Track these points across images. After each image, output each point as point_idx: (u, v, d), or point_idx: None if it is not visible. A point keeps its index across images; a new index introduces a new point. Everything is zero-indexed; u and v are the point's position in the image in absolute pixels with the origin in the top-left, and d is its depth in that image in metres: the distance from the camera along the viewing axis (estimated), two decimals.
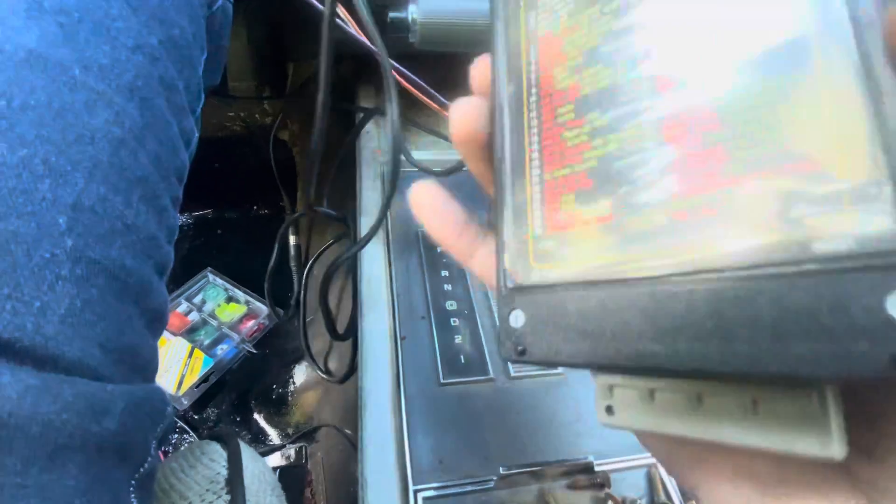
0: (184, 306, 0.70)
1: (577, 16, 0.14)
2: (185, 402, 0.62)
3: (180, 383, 0.62)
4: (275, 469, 0.58)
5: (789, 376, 0.09)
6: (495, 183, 0.15)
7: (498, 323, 0.14)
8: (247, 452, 0.33)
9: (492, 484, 0.29)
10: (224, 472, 0.30)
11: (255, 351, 0.68)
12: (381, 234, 0.42)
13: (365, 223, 0.42)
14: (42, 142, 0.20)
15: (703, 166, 0.10)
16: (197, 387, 0.62)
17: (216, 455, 0.31)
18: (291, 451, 0.60)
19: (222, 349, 0.66)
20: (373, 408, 0.32)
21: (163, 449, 0.64)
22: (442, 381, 0.33)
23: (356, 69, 0.64)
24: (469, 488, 0.29)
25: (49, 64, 0.21)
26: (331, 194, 0.49)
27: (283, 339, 0.70)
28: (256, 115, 0.91)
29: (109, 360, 0.20)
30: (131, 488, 0.20)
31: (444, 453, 0.30)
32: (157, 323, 0.24)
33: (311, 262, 0.54)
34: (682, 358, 0.10)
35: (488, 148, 0.15)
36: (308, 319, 0.70)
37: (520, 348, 0.13)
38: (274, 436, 0.62)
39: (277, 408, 0.64)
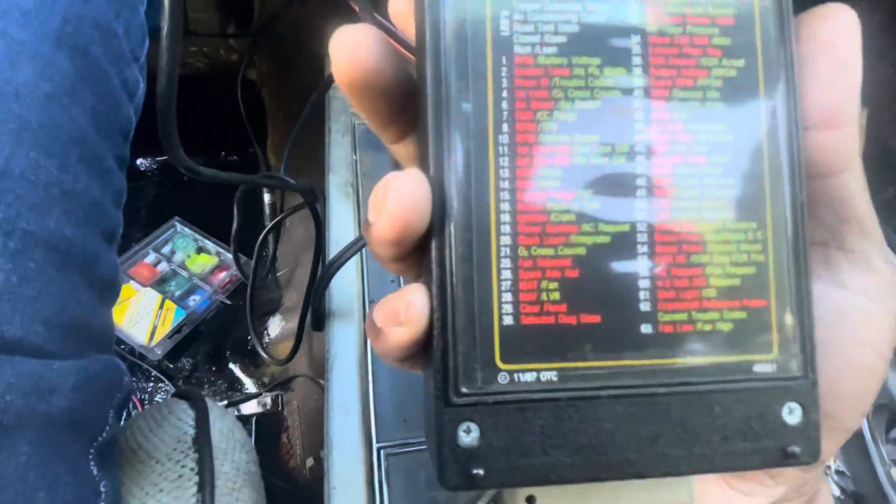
0: (152, 257, 0.68)
1: (573, 57, 0.11)
2: (159, 353, 0.62)
3: (152, 334, 0.62)
4: (251, 416, 0.59)
5: (731, 470, 0.12)
6: (437, 236, 0.11)
7: (433, 439, 0.11)
8: (215, 410, 0.33)
9: None
10: (191, 430, 0.30)
11: (229, 302, 0.68)
12: (350, 191, 0.41)
13: (333, 181, 0.41)
14: None
15: (686, 284, 0.11)
16: (170, 337, 0.62)
17: (183, 414, 0.31)
18: (268, 399, 0.61)
19: (195, 300, 0.66)
20: (340, 369, 0.32)
21: (138, 397, 0.64)
22: None
23: (325, 7, 0.59)
24: None
25: None
26: (298, 150, 0.47)
27: (257, 289, 0.69)
28: (221, 52, 0.84)
29: (56, 336, 0.19)
30: (90, 457, 0.20)
31: (408, 412, 0.31)
32: (108, 292, 0.23)
33: (268, 228, 0.53)
34: (660, 462, 0.11)
35: (390, 97, 0.12)
36: (280, 273, 0.69)
37: (475, 472, 0.11)
38: (250, 385, 0.63)
39: (253, 358, 0.65)
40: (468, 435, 0.11)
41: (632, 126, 0.11)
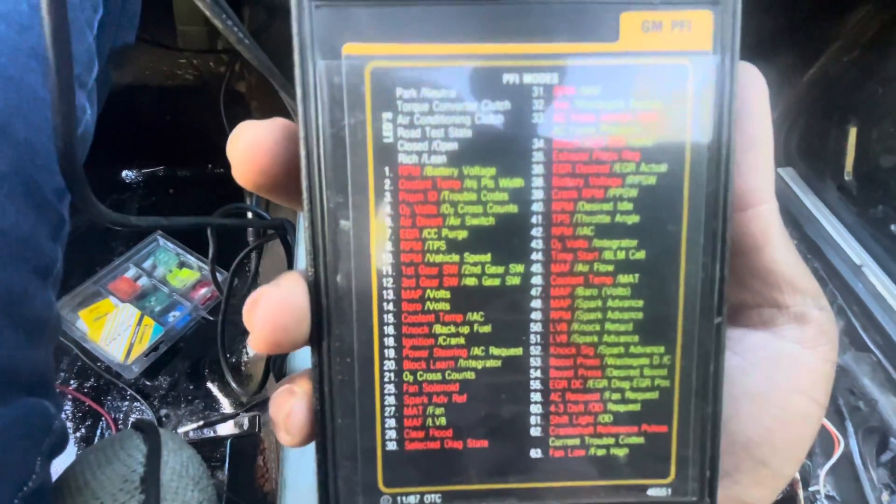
0: (133, 271, 0.67)
1: (464, 167, 0.10)
2: (136, 370, 0.61)
3: (129, 351, 0.61)
4: (226, 439, 0.58)
5: None
6: (316, 369, 0.11)
7: None
8: (169, 445, 0.32)
9: None
10: (140, 469, 0.29)
11: (210, 318, 0.67)
12: None
13: None
14: None
15: (581, 409, 0.11)
16: (147, 355, 0.61)
17: (135, 450, 0.30)
18: (245, 419, 0.60)
19: (174, 316, 0.65)
20: None
21: (112, 417, 0.62)
22: None
23: None
24: None
25: None
26: None
27: (238, 307, 0.68)
28: (210, 64, 0.84)
29: None
30: None
31: None
32: (40, 332, 0.22)
33: (237, 260, 0.51)
34: None
35: (284, 186, 0.11)
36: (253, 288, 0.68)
37: None
38: (227, 405, 0.62)
39: (232, 376, 0.64)
40: None
41: (527, 244, 0.10)
